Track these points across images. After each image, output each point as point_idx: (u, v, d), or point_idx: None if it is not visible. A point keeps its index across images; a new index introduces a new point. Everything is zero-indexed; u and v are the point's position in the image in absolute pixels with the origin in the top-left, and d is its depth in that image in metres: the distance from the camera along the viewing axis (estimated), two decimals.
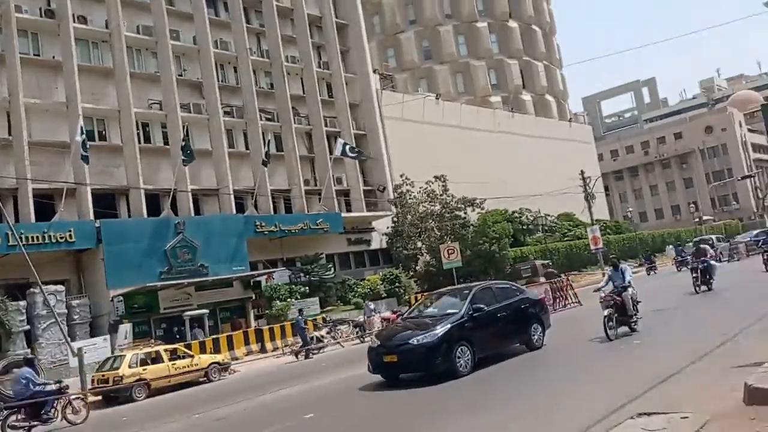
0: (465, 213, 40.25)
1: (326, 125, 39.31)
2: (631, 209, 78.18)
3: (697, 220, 68.95)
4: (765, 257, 25.54)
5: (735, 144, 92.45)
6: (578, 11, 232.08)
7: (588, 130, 72.35)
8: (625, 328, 14.00)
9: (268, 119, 37.19)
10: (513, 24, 67.17)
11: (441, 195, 39.97)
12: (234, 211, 33.46)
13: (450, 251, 33.96)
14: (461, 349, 12.01)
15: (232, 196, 33.63)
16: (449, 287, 17.04)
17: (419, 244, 40.19)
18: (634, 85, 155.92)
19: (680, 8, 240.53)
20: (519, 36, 67.41)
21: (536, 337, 13.92)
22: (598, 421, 7.41)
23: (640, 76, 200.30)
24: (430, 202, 40.13)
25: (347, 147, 36.02)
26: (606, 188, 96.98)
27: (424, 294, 27.66)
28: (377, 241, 41.61)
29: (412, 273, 39.58)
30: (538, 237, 50.03)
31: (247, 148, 36.23)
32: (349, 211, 39.58)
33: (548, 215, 50.51)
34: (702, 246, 22.65)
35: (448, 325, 12.17)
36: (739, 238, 46.79)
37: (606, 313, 13.53)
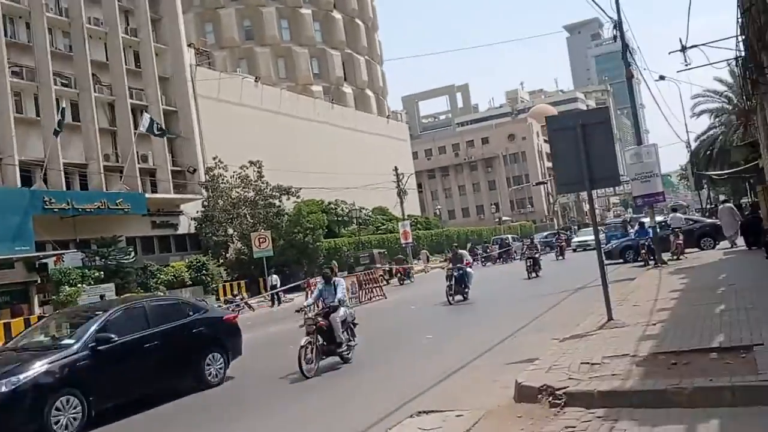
0: (280, 201, 39.49)
1: (132, 97, 36.40)
2: (440, 207, 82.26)
3: (497, 220, 74.08)
4: (528, 263, 26.15)
5: (532, 152, 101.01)
6: (402, 12, 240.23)
7: (405, 128, 74.84)
8: (334, 359, 11.31)
9: (64, 84, 33.62)
10: (337, 15, 67.34)
11: (255, 181, 38.83)
12: (19, 185, 29.84)
13: (261, 240, 33.13)
14: (64, 402, 8.52)
15: (17, 168, 29.96)
16: (85, 305, 15.00)
17: (230, 230, 38.77)
18: (449, 90, 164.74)
19: (495, 23, 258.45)
20: (342, 28, 67.74)
21: (212, 370, 10.75)
22: None
23: (456, 81, 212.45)
24: (243, 187, 38.83)
25: (154, 123, 33.63)
26: (419, 185, 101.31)
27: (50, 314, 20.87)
28: (185, 226, 39.46)
29: (222, 261, 38.10)
30: (353, 229, 50.72)
31: (37, 115, 32.42)
32: (154, 192, 37.05)
33: (363, 208, 51.35)
34: (459, 252, 20.60)
35: (44, 366, 8.60)
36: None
37: (303, 342, 10.61)
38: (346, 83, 68.21)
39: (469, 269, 19.85)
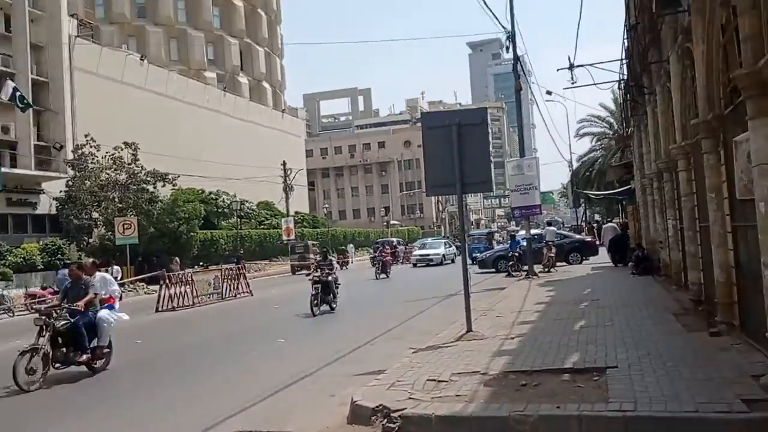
0: (154, 187, 36.95)
1: None
2: (327, 206, 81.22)
3: (385, 223, 74.04)
4: (377, 267, 29.03)
5: None
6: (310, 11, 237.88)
7: (300, 124, 73.35)
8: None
9: None
10: (238, 2, 64.92)
11: (129, 164, 36.10)
12: None
13: (126, 226, 30.76)
14: None
15: None
16: None
17: (96, 214, 35.83)
18: (352, 92, 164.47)
19: (406, 32, 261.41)
20: (243, 16, 65.39)
21: None
22: None
23: (360, 85, 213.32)
24: (115, 170, 36.01)
25: (17, 93, 30.50)
26: (312, 184, 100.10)
27: None
28: (46, 206, 36.16)
29: (84, 245, 35.17)
30: (234, 222, 48.66)
31: None
32: (13, 166, 33.73)
33: (247, 201, 49.35)
34: (329, 257, 17.52)
35: None
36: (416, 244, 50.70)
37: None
38: (243, 73, 65.86)
39: (331, 277, 16.43)
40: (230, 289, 21.33)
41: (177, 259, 34.42)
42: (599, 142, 53.61)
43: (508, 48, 22.02)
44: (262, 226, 50.82)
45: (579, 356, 7.61)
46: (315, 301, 15.53)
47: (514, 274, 22.44)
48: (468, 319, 9.64)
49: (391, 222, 78.09)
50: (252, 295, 21.77)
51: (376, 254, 32.92)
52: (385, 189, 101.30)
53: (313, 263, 18.71)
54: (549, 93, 23.40)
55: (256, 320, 15.92)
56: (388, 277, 29.34)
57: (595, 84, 19.58)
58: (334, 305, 16.27)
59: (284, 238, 45.05)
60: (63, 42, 36.76)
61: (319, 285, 15.78)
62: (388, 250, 33.78)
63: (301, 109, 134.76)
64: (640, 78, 15.59)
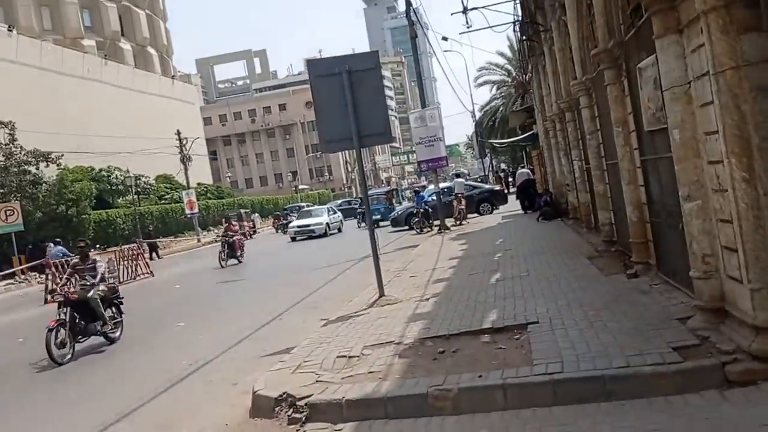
0: (37, 168, 34.09)
1: None
2: (230, 174, 78.75)
3: (293, 188, 72.66)
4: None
5: None
6: None
7: (193, 90, 69.93)
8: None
9: None
10: None
11: (6, 145, 33.04)
12: None
13: (9, 212, 28.20)
14: None
15: None
16: None
17: None
18: (247, 54, 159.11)
19: None
20: None
21: None
22: None
23: (255, 47, 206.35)
24: None
25: None
26: (214, 153, 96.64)
27: None
28: None
29: None
30: (131, 199, 46.01)
31: None
32: None
33: (143, 176, 46.63)
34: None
35: None
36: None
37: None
38: (124, 39, 61.69)
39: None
40: (128, 272, 19.79)
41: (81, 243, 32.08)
42: (499, 90, 54.03)
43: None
44: (162, 201, 48.36)
45: (497, 313, 7.12)
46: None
47: (423, 230, 22.13)
48: (379, 283, 9.01)
49: (300, 186, 76.69)
50: (153, 275, 20.35)
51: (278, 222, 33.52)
52: (291, 153, 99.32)
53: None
54: (445, 39, 22.76)
55: (155, 303, 14.73)
56: (239, 262, 21.45)
57: (490, 27, 19.08)
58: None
59: (187, 211, 42.99)
60: None
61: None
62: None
63: (194, 75, 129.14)
64: (534, 16, 15.19)
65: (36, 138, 34.00)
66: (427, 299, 8.59)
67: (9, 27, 42.86)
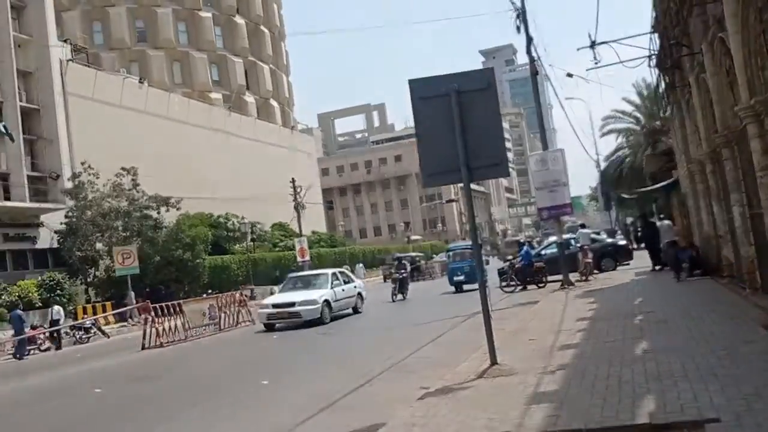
0: (158, 213, 35.11)
1: None
2: (342, 223, 79.20)
3: (405, 238, 71.79)
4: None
5: None
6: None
7: (310, 140, 71.36)
8: None
9: None
10: (240, 20, 63.41)
11: (130, 190, 34.29)
12: None
13: (126, 255, 28.87)
14: None
15: None
16: None
17: (99, 245, 34.00)
18: (366, 108, 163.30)
19: (416, 44, 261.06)
20: (246, 34, 63.82)
21: None
22: None
23: (372, 100, 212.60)
24: (116, 197, 34.22)
25: (1, 123, 28.93)
26: (330, 203, 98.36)
27: None
28: (47, 240, 34.44)
29: (90, 279, 33.44)
30: (246, 246, 46.68)
31: None
32: (7, 199, 32.10)
33: (259, 223, 47.31)
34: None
35: None
36: (436, 258, 48.56)
37: None
38: (249, 92, 64.22)
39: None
40: (229, 319, 19.03)
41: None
42: (627, 139, 50.73)
43: (518, 29, 19.55)
44: (276, 249, 48.74)
45: (655, 401, 5.18)
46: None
47: (506, 290, 20.24)
48: (491, 349, 7.26)
49: (412, 237, 75.61)
50: (255, 323, 19.48)
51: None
52: (405, 204, 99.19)
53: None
54: (570, 76, 20.81)
55: (247, 354, 13.66)
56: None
57: (621, 62, 17.04)
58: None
59: (299, 259, 42.80)
60: (52, 67, 35.18)
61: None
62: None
63: (316, 128, 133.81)
64: (679, 37, 13.14)
65: (158, 183, 35.15)
66: (552, 372, 6.74)
67: (140, 80, 45.38)
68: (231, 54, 62.69)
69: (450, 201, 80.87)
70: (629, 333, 8.59)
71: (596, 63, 17.80)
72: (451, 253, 28.00)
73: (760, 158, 8.50)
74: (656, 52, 16.85)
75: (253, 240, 46.85)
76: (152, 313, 16.08)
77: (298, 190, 45.57)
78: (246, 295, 22.52)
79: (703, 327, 8.25)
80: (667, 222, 19.68)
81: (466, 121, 7.20)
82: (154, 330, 15.96)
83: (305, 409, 7.40)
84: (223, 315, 18.85)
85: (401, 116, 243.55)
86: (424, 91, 7.50)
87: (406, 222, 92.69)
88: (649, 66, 17.99)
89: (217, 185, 44.73)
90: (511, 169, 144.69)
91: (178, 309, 16.71)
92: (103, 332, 24.49)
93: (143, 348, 15.96)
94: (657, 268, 18.91)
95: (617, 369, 6.41)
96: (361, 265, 51.18)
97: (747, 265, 10.68)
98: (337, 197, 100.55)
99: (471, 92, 7.31)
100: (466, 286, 23.49)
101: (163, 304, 16.81)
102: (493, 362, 7.16)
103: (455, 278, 24.63)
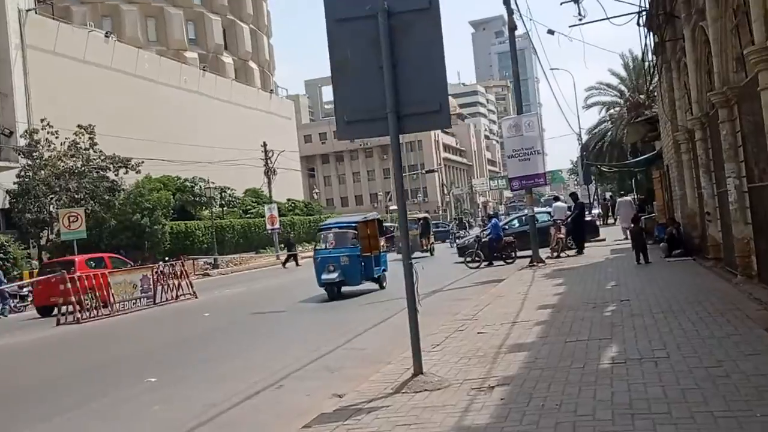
0: (117, 174, 33.09)
1: None
2: (317, 191, 77.47)
3: (384, 208, 70.44)
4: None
5: (429, 141, 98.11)
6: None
7: (289, 105, 68.92)
8: None
9: None
10: None
11: (86, 149, 32.16)
12: None
13: (72, 218, 26.88)
14: None
15: None
16: None
17: (52, 207, 31.96)
18: None
19: None
20: None
21: None
22: None
23: None
24: (72, 156, 32.11)
25: None
26: (312, 170, 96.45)
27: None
28: None
29: (44, 243, 31.57)
30: (217, 212, 44.79)
31: None
32: None
33: (229, 188, 45.31)
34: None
35: None
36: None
37: None
38: (227, 52, 61.63)
39: None
40: (168, 292, 17.26)
41: None
42: (609, 112, 49.14)
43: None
44: (247, 216, 46.90)
45: None
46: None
47: (470, 266, 18.55)
48: (416, 354, 5.59)
49: (391, 207, 73.93)
50: (196, 297, 17.76)
51: None
52: (387, 173, 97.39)
53: None
54: (551, 32, 18.85)
55: (162, 337, 11.98)
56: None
57: (608, 18, 15.31)
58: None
59: (268, 227, 41.12)
60: (9, 15, 32.77)
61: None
62: None
63: (303, 95, 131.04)
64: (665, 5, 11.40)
65: (124, 144, 33.20)
66: (491, 388, 5.10)
67: (106, 33, 42.86)
68: (209, 11, 60.05)
69: (430, 171, 79.19)
70: (596, 330, 6.97)
71: (580, 19, 16.11)
72: (322, 234, 16.80)
73: None
74: (646, 9, 15.09)
75: (221, 206, 44.95)
76: (68, 285, 14.29)
77: (270, 155, 43.54)
78: (208, 263, 20.63)
79: (688, 327, 6.63)
80: (627, 198, 18.06)
81: (397, 52, 5.47)
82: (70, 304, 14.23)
83: (182, 423, 5.79)
84: (159, 288, 17.09)
85: None
86: (343, 11, 5.72)
87: (387, 192, 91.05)
88: (638, 24, 16.24)
89: (188, 149, 42.55)
90: (494, 142, 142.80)
91: (101, 281, 14.89)
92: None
93: (58, 324, 14.24)
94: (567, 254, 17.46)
95: (575, 391, 4.75)
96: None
97: (740, 248, 9.10)
98: (319, 165, 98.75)
99: (405, 14, 5.55)
100: (346, 289, 15.08)
101: (82, 274, 14.98)
102: (418, 371, 5.52)
103: (324, 277, 14.58)
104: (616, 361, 5.48)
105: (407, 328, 5.65)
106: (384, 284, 15.74)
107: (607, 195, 58.82)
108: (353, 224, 15.95)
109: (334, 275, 14.34)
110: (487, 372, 5.63)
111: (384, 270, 15.97)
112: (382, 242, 17.78)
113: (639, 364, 5.27)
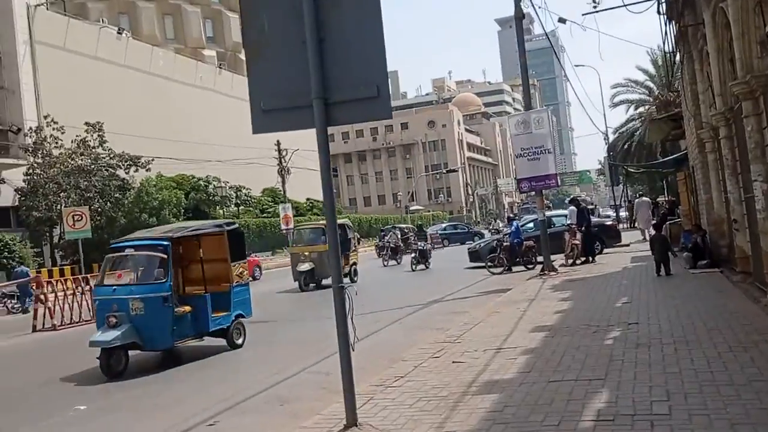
0: (127, 172, 32.58)
1: None
2: (336, 191, 76.33)
3: (404, 209, 69.28)
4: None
5: (453, 141, 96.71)
6: None
7: None
8: None
9: None
10: None
11: (95, 147, 31.66)
12: None
13: (77, 217, 26.23)
14: None
15: None
16: None
17: (62, 206, 31.48)
18: None
19: (432, 16, 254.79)
20: None
21: None
22: None
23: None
24: (81, 154, 31.63)
25: None
26: (335, 170, 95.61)
27: None
28: (8, 198, 32.00)
29: (57, 241, 31.20)
30: (233, 211, 44.18)
31: None
32: None
33: (244, 188, 44.63)
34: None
35: None
36: (430, 230, 45.72)
37: None
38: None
39: None
40: None
41: None
42: (637, 110, 47.31)
43: None
44: (264, 215, 46.22)
45: None
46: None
47: (493, 271, 17.25)
48: (348, 403, 4.46)
49: (412, 208, 72.81)
50: None
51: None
52: (410, 172, 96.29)
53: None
54: (562, 21, 17.36)
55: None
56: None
57: (624, 6, 13.99)
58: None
59: (282, 226, 40.28)
60: (13, 11, 32.34)
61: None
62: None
63: None
64: None
65: (137, 142, 32.73)
66: None
67: (118, 30, 42.38)
68: (226, 9, 59.47)
69: (451, 170, 77.71)
70: (589, 366, 5.74)
71: (595, 6, 14.80)
72: (112, 259, 9.85)
73: None
74: None
75: (237, 205, 44.31)
76: (44, 289, 13.43)
77: (283, 153, 42.74)
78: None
79: (702, 366, 5.36)
80: (645, 198, 16.59)
81: (325, 24, 4.36)
82: (46, 310, 13.40)
83: None
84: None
85: (413, 85, 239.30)
86: None
87: (408, 192, 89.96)
88: (658, 13, 14.87)
89: (204, 147, 41.92)
90: None
91: (82, 284, 14.03)
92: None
93: (34, 330, 13.41)
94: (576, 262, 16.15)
95: None
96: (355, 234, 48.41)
97: None
98: (342, 164, 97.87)
99: None
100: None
101: (61, 279, 14.14)
102: (352, 423, 4.39)
103: (96, 338, 8.60)
104: (601, 417, 4.27)
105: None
106: (239, 341, 9.77)
107: (638, 195, 56.80)
108: (163, 242, 8.99)
109: (114, 334, 8.28)
110: (439, 425, 4.48)
111: (239, 315, 9.78)
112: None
113: (630, 425, 4.06)
